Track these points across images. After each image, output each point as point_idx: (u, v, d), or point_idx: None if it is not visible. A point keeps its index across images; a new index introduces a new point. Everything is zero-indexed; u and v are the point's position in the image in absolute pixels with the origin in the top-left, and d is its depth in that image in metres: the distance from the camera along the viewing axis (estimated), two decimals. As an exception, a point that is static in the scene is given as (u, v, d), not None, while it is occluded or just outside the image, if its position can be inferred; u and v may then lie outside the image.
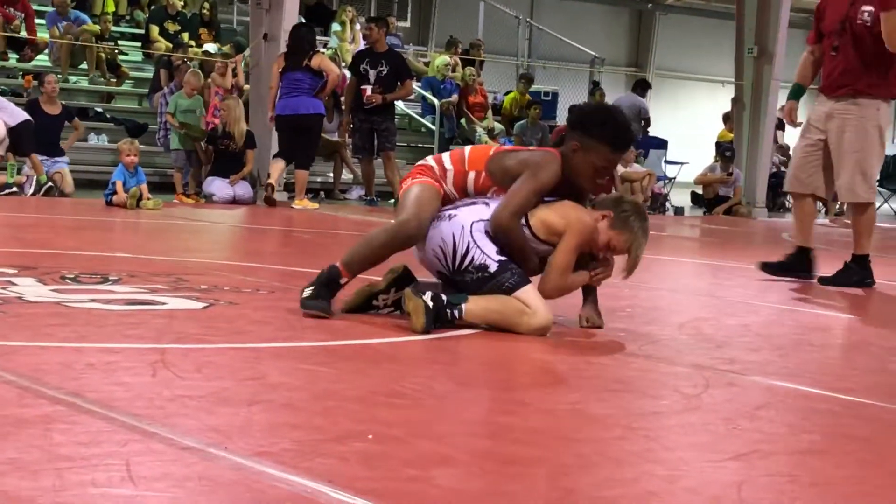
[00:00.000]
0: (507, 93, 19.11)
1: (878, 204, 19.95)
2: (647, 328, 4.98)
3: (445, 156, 4.82)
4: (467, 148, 4.89)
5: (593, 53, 20.57)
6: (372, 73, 13.21)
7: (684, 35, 29.32)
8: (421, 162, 4.87)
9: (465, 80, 17.89)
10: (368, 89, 13.12)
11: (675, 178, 18.36)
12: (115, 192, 10.70)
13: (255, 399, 3.13)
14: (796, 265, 7.23)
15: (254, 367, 3.63)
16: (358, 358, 3.91)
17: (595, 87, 19.58)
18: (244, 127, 12.60)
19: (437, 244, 4.55)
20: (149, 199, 10.73)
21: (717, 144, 17.95)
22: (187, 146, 12.92)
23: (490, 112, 18.28)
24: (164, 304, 4.76)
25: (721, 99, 19.64)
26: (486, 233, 4.52)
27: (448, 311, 4.37)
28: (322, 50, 14.02)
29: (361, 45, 15.79)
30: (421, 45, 23.76)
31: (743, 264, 8.46)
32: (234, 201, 12.41)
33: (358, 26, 16.94)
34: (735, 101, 16.58)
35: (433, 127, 17.12)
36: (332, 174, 15.11)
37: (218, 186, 12.50)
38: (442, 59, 18.67)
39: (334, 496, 2.31)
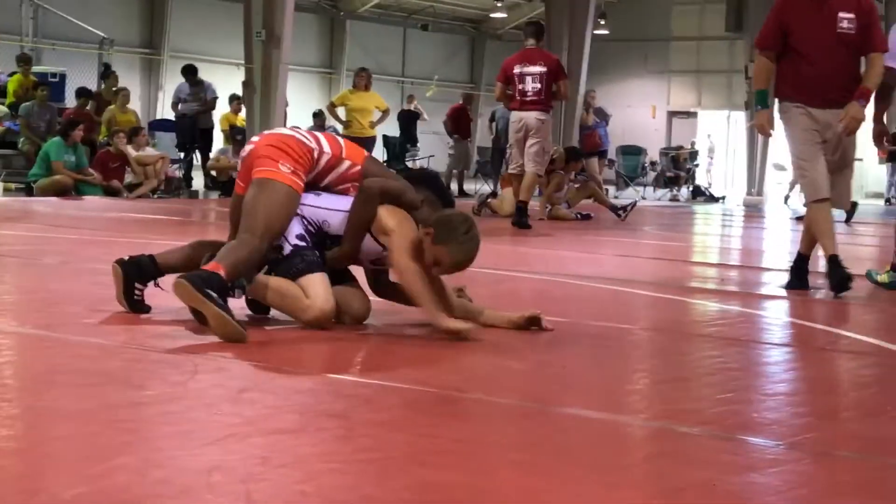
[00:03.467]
0: (11, 74, 18.24)
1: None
2: (144, 316, 4.88)
3: (324, 138, 4.94)
4: (340, 139, 5.10)
5: (102, 34, 20.05)
6: None
7: (199, 17, 29.24)
8: (293, 134, 4.89)
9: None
10: None
11: (192, 161, 18.24)
12: None
13: None
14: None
15: None
16: None
17: (106, 69, 19.09)
18: None
19: None
20: None
21: (232, 127, 18.05)
22: None
23: (-6, 95, 17.42)
24: None
25: (238, 82, 19.74)
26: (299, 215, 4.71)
27: (232, 290, 4.47)
28: None
29: None
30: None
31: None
32: None
33: None
34: (246, 84, 16.71)
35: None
36: None
37: None
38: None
39: None
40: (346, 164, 4.89)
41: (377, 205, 4.75)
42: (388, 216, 4.73)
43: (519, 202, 12.36)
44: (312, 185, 4.85)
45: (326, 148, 4.87)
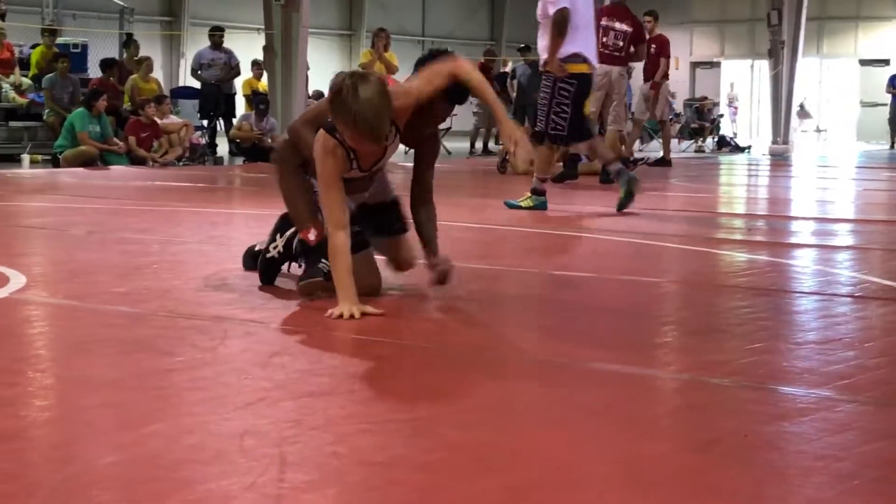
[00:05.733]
0: (34, 46, 18.26)
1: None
2: (173, 283, 4.93)
3: None
4: None
5: (122, 4, 20.04)
6: None
7: (216, -17, 29.13)
8: None
9: (-10, 36, 16.95)
10: None
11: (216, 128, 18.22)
12: None
13: None
14: None
15: None
16: None
17: (128, 38, 19.09)
18: None
19: None
20: None
21: (255, 93, 18.00)
22: None
23: (17, 67, 17.43)
24: None
25: (258, 48, 19.66)
26: None
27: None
28: None
29: None
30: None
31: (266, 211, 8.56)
32: None
33: None
34: (266, 49, 16.63)
35: (-48, 85, 16.14)
36: None
37: None
38: (-42, 12, 17.61)
39: None
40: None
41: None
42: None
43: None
44: None
45: None
